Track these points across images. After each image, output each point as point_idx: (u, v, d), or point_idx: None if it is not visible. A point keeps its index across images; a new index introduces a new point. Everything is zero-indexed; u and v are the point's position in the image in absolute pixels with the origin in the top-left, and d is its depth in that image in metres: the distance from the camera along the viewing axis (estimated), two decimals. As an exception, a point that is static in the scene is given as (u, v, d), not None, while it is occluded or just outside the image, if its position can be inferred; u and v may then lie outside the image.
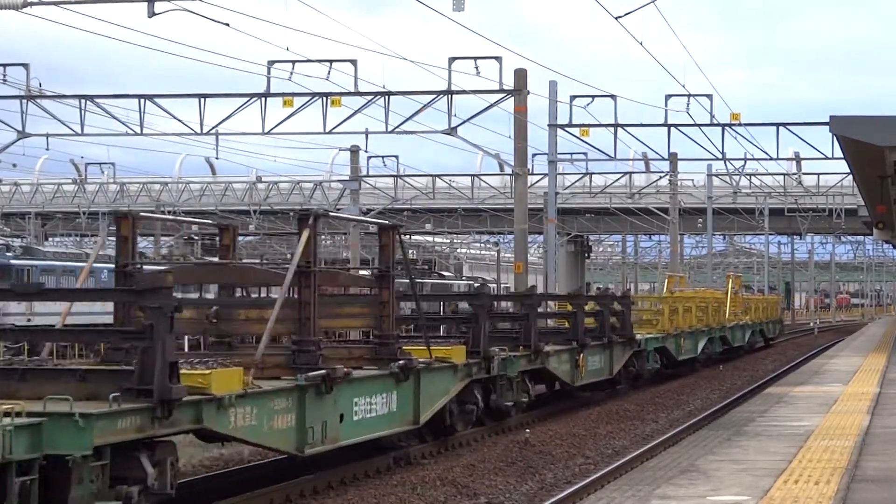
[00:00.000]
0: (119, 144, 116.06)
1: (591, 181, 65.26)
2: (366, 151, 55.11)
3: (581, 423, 24.21)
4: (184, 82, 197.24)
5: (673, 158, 53.93)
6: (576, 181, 64.63)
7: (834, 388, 23.54)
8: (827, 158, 46.56)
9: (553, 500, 15.37)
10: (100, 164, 68.33)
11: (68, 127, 41.80)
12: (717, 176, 64.52)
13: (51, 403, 11.31)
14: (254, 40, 75.04)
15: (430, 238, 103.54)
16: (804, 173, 65.34)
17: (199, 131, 41.61)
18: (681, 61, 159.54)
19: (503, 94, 37.90)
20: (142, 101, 40.99)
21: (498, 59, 37.35)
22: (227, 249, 17.74)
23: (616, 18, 29.64)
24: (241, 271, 17.35)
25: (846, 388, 23.53)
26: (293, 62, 37.53)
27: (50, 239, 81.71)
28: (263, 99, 39.83)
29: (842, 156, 27.92)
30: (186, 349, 23.75)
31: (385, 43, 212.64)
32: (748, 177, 65.48)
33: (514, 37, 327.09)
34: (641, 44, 33.43)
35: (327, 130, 40.35)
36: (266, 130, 40.66)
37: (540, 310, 25.91)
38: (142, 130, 41.63)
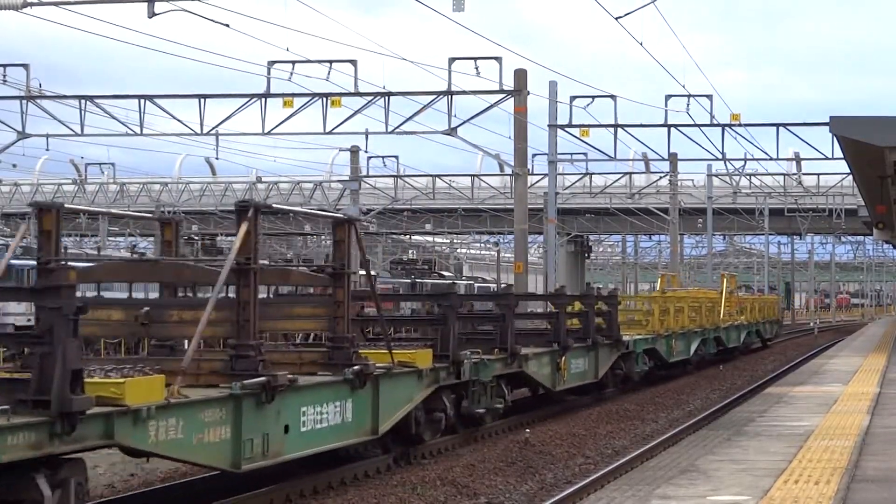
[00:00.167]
0: (119, 145, 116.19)
1: (591, 181, 65.31)
2: (366, 152, 55.16)
3: (581, 423, 24.21)
4: (184, 82, 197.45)
5: (673, 159, 53.97)
6: (576, 181, 64.67)
7: (834, 388, 23.54)
8: (827, 158, 46.64)
9: (553, 500, 15.37)
10: (100, 164, 68.48)
11: (68, 127, 41.86)
12: (717, 176, 64.55)
13: None
14: (254, 41, 75.16)
15: (430, 238, 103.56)
16: (804, 173, 65.42)
17: (199, 131, 41.67)
18: (681, 61, 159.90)
19: (503, 95, 37.94)
20: (142, 101, 41.05)
21: (498, 59, 37.41)
22: (168, 245, 16.32)
23: (616, 19, 29.68)
24: (174, 269, 15.68)
25: (846, 388, 23.53)
26: (293, 62, 37.59)
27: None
28: (263, 99, 39.87)
29: (842, 156, 27.94)
30: (123, 354, 22.41)
31: (385, 43, 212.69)
32: (748, 177, 65.52)
33: (514, 37, 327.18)
34: (641, 44, 33.49)
35: (327, 131, 40.40)
36: (266, 131, 40.71)
37: (540, 310, 25.33)
38: (142, 131, 41.68)
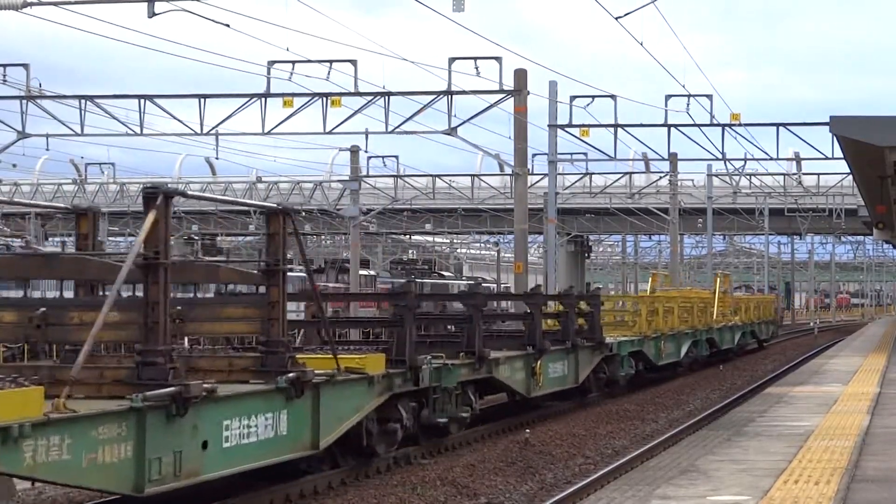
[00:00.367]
0: (119, 144, 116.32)
1: (591, 181, 65.32)
2: (366, 151, 55.16)
3: (581, 423, 24.21)
4: (184, 82, 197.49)
5: (673, 158, 53.96)
6: (576, 181, 64.68)
7: (834, 388, 23.54)
8: (827, 158, 46.60)
9: (553, 500, 15.37)
10: (100, 164, 68.45)
11: (68, 127, 41.83)
12: (717, 176, 64.54)
13: None
14: (254, 40, 75.20)
15: (429, 238, 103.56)
16: (804, 173, 65.39)
17: (199, 131, 41.65)
18: (681, 61, 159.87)
19: (503, 95, 37.92)
20: (142, 101, 41.03)
21: (498, 59, 37.39)
22: (85, 239, 14.80)
23: (616, 19, 29.68)
24: (74, 264, 14.00)
25: (846, 388, 23.53)
26: (293, 62, 37.57)
27: (50, 239, 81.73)
28: (263, 99, 39.86)
29: (842, 156, 27.94)
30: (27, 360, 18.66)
31: (385, 43, 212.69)
32: (748, 177, 65.52)
33: (513, 37, 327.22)
34: (641, 44, 33.47)
35: (327, 130, 40.38)
36: (266, 130, 40.69)
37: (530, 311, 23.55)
38: (142, 131, 41.66)
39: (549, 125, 42.65)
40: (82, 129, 41.68)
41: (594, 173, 63.59)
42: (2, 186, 76.40)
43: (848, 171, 37.31)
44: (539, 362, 23.28)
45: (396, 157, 62.19)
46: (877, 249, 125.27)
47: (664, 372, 35.64)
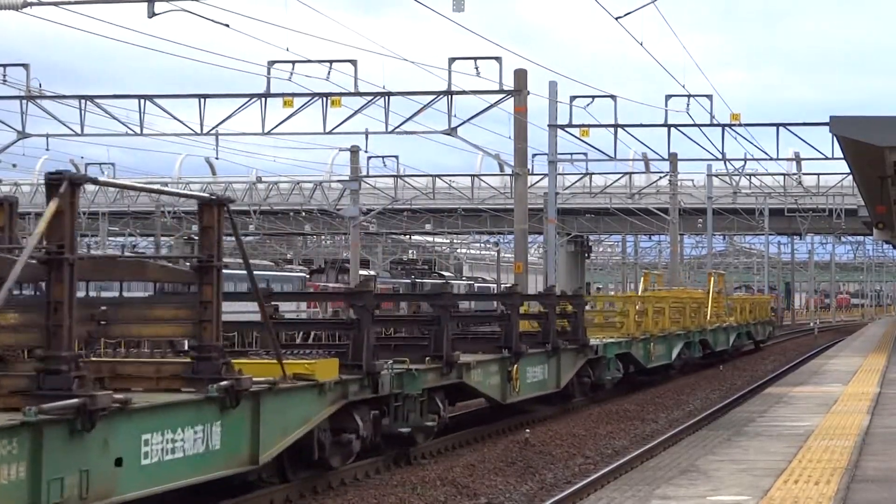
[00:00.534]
0: (119, 144, 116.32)
1: (591, 181, 65.36)
2: (366, 151, 55.19)
3: (581, 423, 24.21)
4: (184, 82, 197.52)
5: (673, 159, 53.98)
6: (576, 181, 64.70)
7: (834, 389, 23.55)
8: (827, 158, 46.63)
9: (553, 500, 15.37)
10: (100, 164, 68.32)
11: (68, 127, 41.85)
12: (717, 176, 64.56)
13: None
14: (254, 41, 75.22)
15: (429, 238, 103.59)
16: (804, 173, 65.42)
17: (199, 131, 41.67)
18: (681, 61, 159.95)
19: (503, 95, 37.94)
20: (142, 101, 41.04)
21: (498, 59, 37.41)
22: (1, 231, 13.26)
23: (616, 19, 29.70)
24: None
25: (846, 389, 23.53)
26: (293, 62, 37.60)
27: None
28: (263, 99, 39.88)
29: (842, 156, 27.95)
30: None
31: (385, 43, 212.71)
32: (748, 177, 65.54)
33: (513, 37, 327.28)
34: (641, 44, 33.51)
35: (327, 131, 40.40)
36: (266, 131, 40.71)
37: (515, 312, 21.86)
38: (142, 131, 41.68)
39: (549, 125, 42.67)
40: (82, 129, 41.70)
41: (594, 173, 63.65)
42: (2, 186, 76.45)
43: (848, 171, 37.32)
44: (516, 366, 21.87)
45: (396, 157, 62.30)
46: (877, 249, 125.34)
47: (655, 375, 34.66)
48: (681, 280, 65.44)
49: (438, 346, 18.81)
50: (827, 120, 25.50)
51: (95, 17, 36.10)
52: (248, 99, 40.20)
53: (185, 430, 12.02)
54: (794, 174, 65.43)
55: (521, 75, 37.64)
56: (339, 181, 68.16)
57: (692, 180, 69.75)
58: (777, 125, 45.33)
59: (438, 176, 69.17)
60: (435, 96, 39.20)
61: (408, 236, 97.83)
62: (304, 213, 74.93)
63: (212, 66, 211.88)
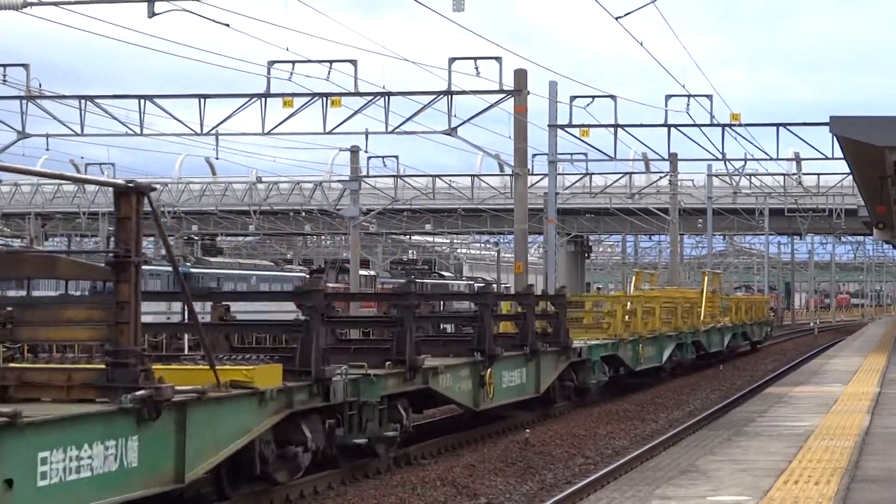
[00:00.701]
0: (119, 145, 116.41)
1: (591, 181, 65.37)
2: (366, 152, 55.21)
3: (581, 423, 24.21)
4: (184, 82, 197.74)
5: (673, 159, 53.97)
6: (576, 181, 64.72)
7: (834, 388, 23.55)
8: (827, 158, 46.62)
9: (553, 500, 15.37)
10: (100, 164, 68.41)
11: (68, 127, 41.85)
12: (717, 176, 64.57)
13: None
14: (254, 41, 75.22)
15: (429, 238, 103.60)
16: (804, 173, 65.39)
17: (198, 131, 41.66)
18: (681, 61, 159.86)
19: (503, 95, 37.94)
20: (142, 101, 41.04)
21: (498, 59, 37.41)
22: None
23: (616, 19, 29.70)
24: None
25: (846, 388, 23.54)
26: (293, 62, 37.59)
27: (50, 239, 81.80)
28: (263, 99, 39.87)
29: (842, 156, 27.94)
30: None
31: (385, 43, 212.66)
32: (748, 177, 65.54)
33: (513, 37, 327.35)
34: (641, 44, 33.50)
35: (327, 131, 40.40)
36: (266, 131, 40.71)
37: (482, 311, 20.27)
38: (142, 131, 41.68)
39: (549, 125, 42.67)
40: (82, 129, 41.70)
41: (594, 173, 63.67)
42: (2, 187, 76.47)
43: (848, 171, 37.31)
44: (489, 370, 20.47)
45: (396, 157, 62.28)
46: (877, 249, 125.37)
47: (645, 377, 33.52)
48: (681, 280, 65.41)
49: (401, 350, 17.47)
50: (827, 120, 25.51)
51: (95, 17, 36.13)
52: (248, 99, 40.20)
53: (94, 445, 10.76)
54: (794, 174, 65.42)
55: (521, 75, 37.65)
56: (339, 181, 68.17)
57: (692, 180, 69.76)
58: (777, 125, 45.34)
59: (438, 176, 69.19)
60: (435, 96, 39.21)
61: (408, 236, 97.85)
62: (304, 213, 74.94)
63: (212, 66, 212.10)
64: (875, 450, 14.47)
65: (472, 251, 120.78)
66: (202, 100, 41.26)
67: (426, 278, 78.75)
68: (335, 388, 15.29)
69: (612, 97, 43.66)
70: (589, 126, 43.84)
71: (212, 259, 61.01)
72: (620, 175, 67.16)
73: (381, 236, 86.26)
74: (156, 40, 48.04)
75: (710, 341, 41.28)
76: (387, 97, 39.72)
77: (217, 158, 55.95)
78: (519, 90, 37.52)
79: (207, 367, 13.09)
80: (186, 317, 16.18)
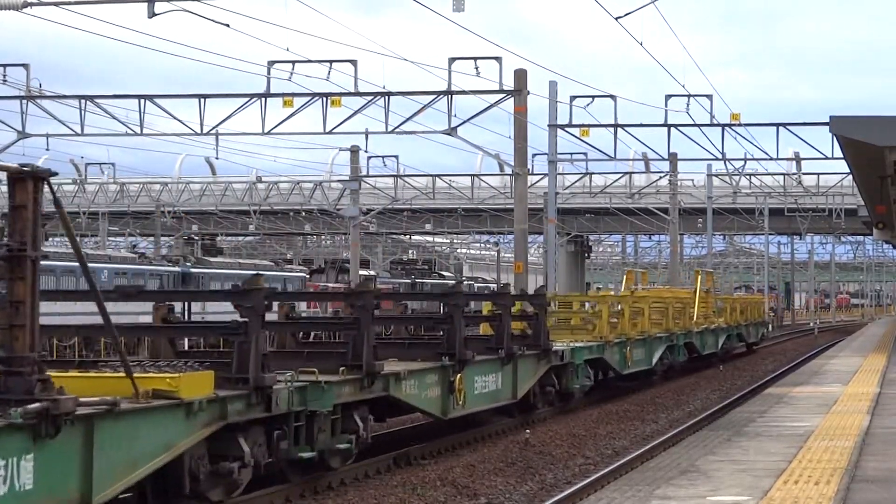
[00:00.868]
0: (119, 144, 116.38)
1: (591, 181, 65.39)
2: (366, 151, 55.23)
3: (581, 423, 24.21)
4: (184, 82, 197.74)
5: (673, 158, 53.98)
6: (576, 181, 64.73)
7: (834, 389, 23.54)
8: (827, 158, 46.63)
9: (553, 500, 15.37)
10: (100, 164, 68.47)
11: (68, 127, 41.85)
12: (717, 176, 64.57)
13: None
14: (254, 41, 75.24)
15: (429, 238, 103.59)
16: (804, 173, 65.38)
17: (198, 131, 41.66)
18: (681, 61, 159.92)
19: (503, 95, 37.93)
20: (142, 101, 41.03)
21: (498, 59, 37.41)
22: None
23: (616, 19, 29.69)
24: None
25: (846, 389, 23.53)
26: (293, 62, 37.59)
27: (50, 239, 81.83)
28: (263, 99, 39.87)
29: (842, 156, 27.94)
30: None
31: (385, 43, 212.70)
32: (748, 177, 65.53)
33: (513, 37, 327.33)
34: (641, 44, 33.52)
35: (327, 130, 40.39)
36: (266, 130, 40.69)
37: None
38: (142, 131, 41.68)
39: (549, 125, 42.68)
40: (82, 129, 41.69)
41: (594, 173, 63.67)
42: (2, 187, 76.47)
43: (848, 171, 37.30)
44: (459, 375, 19.11)
45: (396, 157, 62.29)
46: (877, 249, 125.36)
47: (635, 380, 32.48)
48: (681, 280, 65.38)
49: (357, 354, 16.09)
50: (827, 120, 25.49)
51: (95, 17, 36.13)
52: (248, 99, 40.19)
53: None
54: (794, 174, 65.40)
55: (521, 75, 37.64)
56: (339, 181, 68.19)
57: (692, 180, 69.76)
58: (777, 125, 45.34)
59: (438, 176, 69.20)
60: (435, 96, 39.21)
61: (408, 236, 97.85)
62: (304, 213, 74.95)
63: (212, 66, 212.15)
64: (875, 450, 14.47)
65: (473, 251, 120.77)
66: (202, 100, 41.26)
67: (426, 278, 78.72)
68: (278, 396, 14.01)
69: (612, 97, 43.69)
70: (589, 126, 43.85)
71: (212, 259, 61.03)
72: (620, 175, 67.17)
73: (381, 236, 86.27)
74: (156, 40, 48.10)
75: (703, 343, 40.19)
76: (387, 97, 39.72)
77: (217, 158, 56.04)
78: (519, 90, 37.52)
79: (142, 374, 12.15)
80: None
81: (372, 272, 73.73)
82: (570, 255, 77.10)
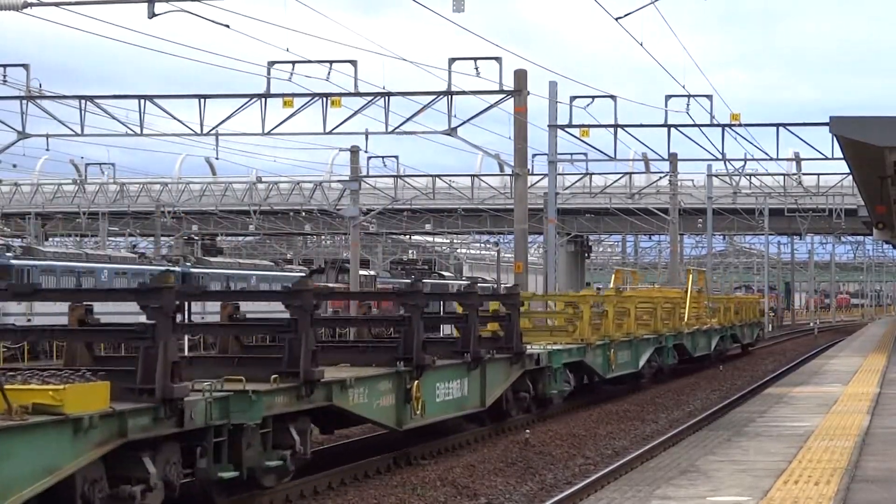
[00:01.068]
0: (119, 145, 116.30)
1: (591, 181, 65.40)
2: (366, 152, 55.18)
3: (581, 423, 24.21)
4: (184, 83, 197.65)
5: (673, 159, 53.97)
6: (576, 181, 64.74)
7: (834, 389, 23.54)
8: (827, 159, 46.61)
9: (553, 500, 15.38)
10: (100, 164, 68.42)
11: (68, 127, 41.83)
12: (717, 176, 64.56)
13: None
14: (254, 41, 75.22)
15: (429, 238, 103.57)
16: (804, 173, 65.39)
17: (199, 131, 41.64)
18: (681, 62, 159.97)
19: (503, 95, 37.93)
20: (142, 101, 41.02)
21: (498, 59, 37.39)
22: None
23: (616, 19, 29.68)
24: None
25: (846, 389, 23.53)
26: (293, 63, 37.57)
27: (50, 239, 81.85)
28: (263, 99, 39.86)
29: (842, 156, 27.93)
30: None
31: (385, 44, 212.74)
32: (748, 177, 65.53)
33: (513, 37, 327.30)
34: (641, 44, 33.49)
35: (327, 131, 40.38)
36: (266, 131, 40.68)
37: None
38: (142, 131, 41.66)
39: (549, 125, 42.65)
40: (82, 130, 41.68)
41: (594, 173, 63.67)
42: (2, 187, 76.45)
43: (848, 171, 37.29)
44: (417, 382, 17.50)
45: (396, 157, 62.22)
46: (877, 250, 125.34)
47: (622, 384, 31.43)
48: (681, 280, 65.36)
49: (294, 360, 14.44)
50: (827, 120, 25.51)
51: (95, 17, 36.05)
52: (248, 99, 40.18)
53: None
54: (794, 174, 65.40)
55: (521, 75, 37.64)
56: (339, 181, 68.17)
57: (692, 180, 69.75)
58: (777, 125, 45.33)
59: (438, 176, 69.18)
60: (435, 96, 39.19)
61: (408, 236, 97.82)
62: (304, 213, 74.94)
63: (212, 67, 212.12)
64: (875, 450, 14.47)
65: (472, 251, 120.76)
66: (202, 100, 41.25)
67: (426, 278, 78.73)
68: (193, 409, 12.46)
69: (612, 97, 43.67)
70: (589, 126, 43.81)
71: (212, 259, 61.08)
72: (620, 175, 67.17)
73: (381, 236, 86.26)
74: (156, 40, 48.06)
75: (694, 344, 38.85)
76: (387, 97, 39.71)
77: (217, 158, 56.08)
78: (519, 90, 37.51)
79: (20, 386, 10.93)
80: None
81: (372, 272, 73.76)
82: (570, 256, 77.09)
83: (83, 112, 41.02)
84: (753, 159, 51.00)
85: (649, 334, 32.81)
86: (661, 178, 63.60)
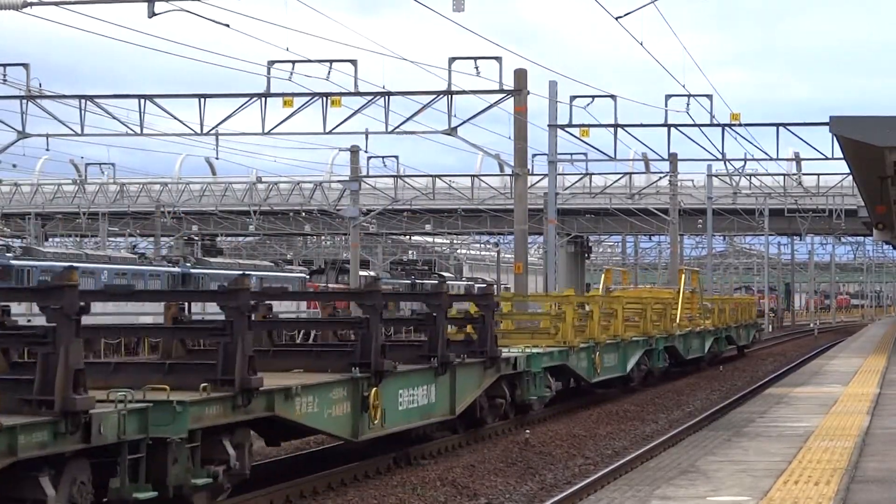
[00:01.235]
0: (119, 145, 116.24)
1: (591, 182, 65.41)
2: (366, 152, 55.17)
3: (581, 423, 24.21)
4: (184, 82, 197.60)
5: (673, 159, 53.96)
6: (576, 182, 64.75)
7: (834, 389, 23.53)
8: (827, 159, 46.59)
9: (553, 500, 15.37)
10: (100, 164, 68.39)
11: (68, 127, 41.82)
12: (717, 176, 64.56)
13: None
14: (254, 40, 75.11)
15: (429, 239, 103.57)
16: (804, 174, 65.40)
17: (199, 131, 41.63)
18: (681, 61, 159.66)
19: (503, 95, 37.92)
20: (142, 101, 41.00)
21: (498, 59, 37.38)
22: None
23: (616, 19, 29.67)
24: None
25: (846, 389, 23.52)
26: (293, 62, 37.56)
27: (50, 239, 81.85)
28: (263, 99, 39.85)
29: (842, 156, 27.92)
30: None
31: (385, 43, 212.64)
32: (748, 177, 65.54)
33: (513, 37, 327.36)
34: (641, 44, 33.47)
35: (327, 130, 40.36)
36: (266, 130, 40.67)
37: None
38: (142, 131, 41.64)
39: (549, 125, 42.64)
40: (82, 129, 41.66)
41: (594, 173, 63.68)
42: (2, 187, 76.45)
43: (848, 171, 37.28)
44: (375, 389, 16.27)
45: (396, 157, 62.20)
46: (877, 250, 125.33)
47: (610, 387, 30.51)
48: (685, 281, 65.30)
49: (229, 367, 13.21)
50: (827, 120, 25.48)
51: (95, 17, 36.01)
52: (248, 99, 40.17)
53: None
54: (794, 174, 65.40)
55: (520, 75, 37.63)
56: (339, 181, 68.17)
57: (692, 180, 69.76)
58: (777, 125, 45.32)
59: (438, 176, 69.17)
60: (435, 96, 39.18)
61: (408, 237, 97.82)
62: (304, 214, 74.94)
63: (212, 66, 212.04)
64: (875, 450, 14.46)
65: (473, 251, 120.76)
66: (202, 100, 41.24)
67: (426, 279, 78.70)
68: (102, 423, 11.15)
69: (612, 97, 43.66)
70: (589, 126, 43.80)
71: (211, 259, 61.07)
72: (620, 175, 67.18)
73: (381, 237, 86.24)
74: (156, 40, 48.08)
75: (687, 347, 37.67)
76: (387, 97, 39.70)
77: (217, 158, 56.01)
78: (519, 90, 37.50)
79: None
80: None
81: (372, 272, 73.76)
82: (570, 256, 77.08)
83: (83, 112, 41.02)
84: (753, 159, 51.04)
85: (638, 336, 31.63)
86: (661, 178, 63.60)
